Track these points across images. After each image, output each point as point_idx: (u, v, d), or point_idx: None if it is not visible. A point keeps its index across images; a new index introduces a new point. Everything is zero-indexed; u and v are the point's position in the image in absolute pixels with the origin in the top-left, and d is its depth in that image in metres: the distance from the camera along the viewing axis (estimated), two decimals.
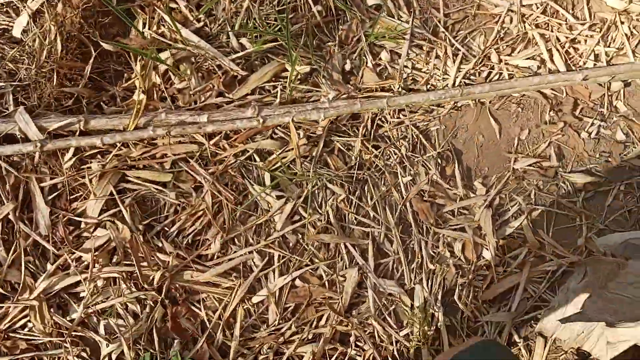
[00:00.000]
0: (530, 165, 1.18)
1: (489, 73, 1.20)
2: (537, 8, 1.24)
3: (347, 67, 1.17)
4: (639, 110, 1.23)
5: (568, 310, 1.03)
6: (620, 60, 1.23)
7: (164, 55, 1.08)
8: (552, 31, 1.22)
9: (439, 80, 1.19)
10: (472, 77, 1.20)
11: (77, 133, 1.03)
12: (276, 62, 1.13)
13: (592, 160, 1.21)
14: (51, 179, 1.05)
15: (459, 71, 1.19)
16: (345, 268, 1.11)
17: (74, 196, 1.06)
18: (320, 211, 1.12)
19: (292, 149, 1.10)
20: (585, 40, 1.23)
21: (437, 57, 1.20)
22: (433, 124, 1.19)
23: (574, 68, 1.21)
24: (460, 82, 1.18)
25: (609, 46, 1.23)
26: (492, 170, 1.19)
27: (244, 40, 1.13)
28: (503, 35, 1.23)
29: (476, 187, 1.17)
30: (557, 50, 1.21)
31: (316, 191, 1.12)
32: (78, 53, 1.08)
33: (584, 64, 1.22)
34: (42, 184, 1.04)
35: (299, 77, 1.14)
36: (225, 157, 1.09)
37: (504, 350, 0.88)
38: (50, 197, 1.05)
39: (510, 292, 1.13)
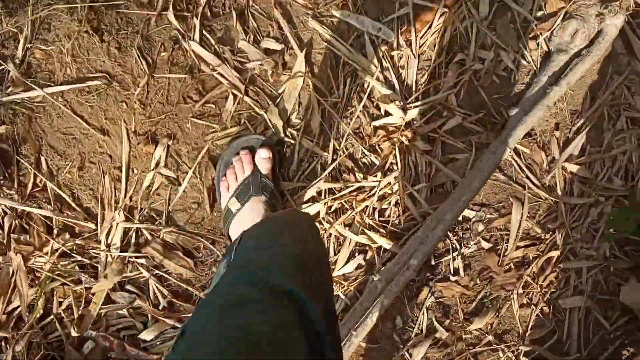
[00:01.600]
0: (426, 352, 1.06)
1: None
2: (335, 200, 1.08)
3: None
4: (492, 210, 1.10)
5: None
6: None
7: None
8: (353, 208, 1.08)
9: None
10: None
11: None
12: None
13: (482, 292, 1.09)
14: None
15: None
16: None
17: None
18: None
19: None
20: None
21: None
22: None
23: (398, 229, 1.07)
24: None
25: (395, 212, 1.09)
26: None
27: None
28: None
29: None
30: (371, 226, 1.07)
31: None
32: None
33: (400, 218, 1.08)
34: None
35: None
36: None
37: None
38: None
39: None
